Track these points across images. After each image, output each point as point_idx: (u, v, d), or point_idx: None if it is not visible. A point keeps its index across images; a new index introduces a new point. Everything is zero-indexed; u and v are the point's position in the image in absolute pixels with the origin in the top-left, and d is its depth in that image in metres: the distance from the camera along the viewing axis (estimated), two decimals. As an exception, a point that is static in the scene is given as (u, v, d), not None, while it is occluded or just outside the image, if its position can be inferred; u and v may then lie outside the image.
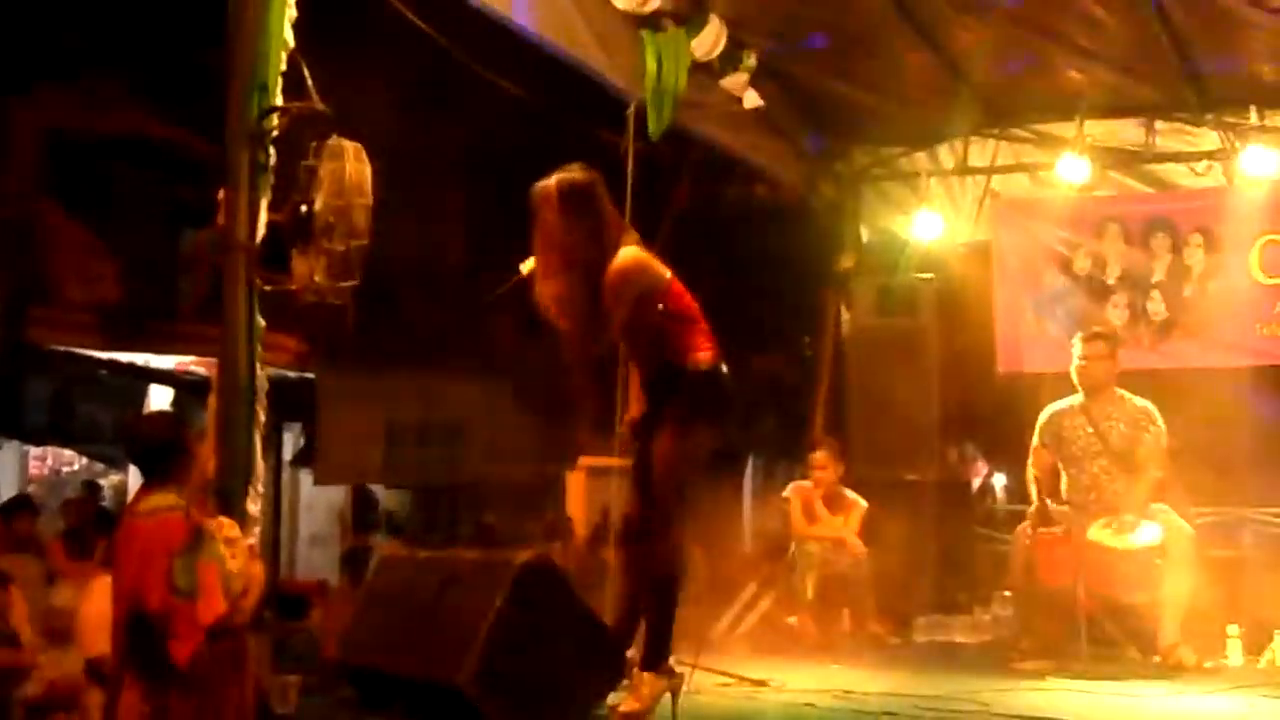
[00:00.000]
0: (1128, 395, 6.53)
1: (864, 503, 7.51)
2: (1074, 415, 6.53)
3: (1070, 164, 8.04)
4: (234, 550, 4.10)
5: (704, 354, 4.65)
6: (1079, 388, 6.54)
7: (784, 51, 7.50)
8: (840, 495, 7.56)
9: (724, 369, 4.72)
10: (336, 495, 14.31)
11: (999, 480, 14.55)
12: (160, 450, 4.19)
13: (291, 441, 12.52)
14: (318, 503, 14.24)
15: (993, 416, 10.29)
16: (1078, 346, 6.60)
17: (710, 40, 6.78)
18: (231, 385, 4.81)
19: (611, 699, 4.53)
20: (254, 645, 4.36)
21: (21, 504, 8.70)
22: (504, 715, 4.34)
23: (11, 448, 13.60)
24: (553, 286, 4.57)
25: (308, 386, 12.04)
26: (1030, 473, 6.60)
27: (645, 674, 4.56)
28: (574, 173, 4.65)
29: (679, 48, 6.62)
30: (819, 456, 7.60)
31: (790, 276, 10.94)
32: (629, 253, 4.58)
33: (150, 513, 4.04)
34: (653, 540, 4.65)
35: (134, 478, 13.42)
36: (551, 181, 4.63)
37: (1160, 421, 6.45)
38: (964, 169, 8.78)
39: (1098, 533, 6.22)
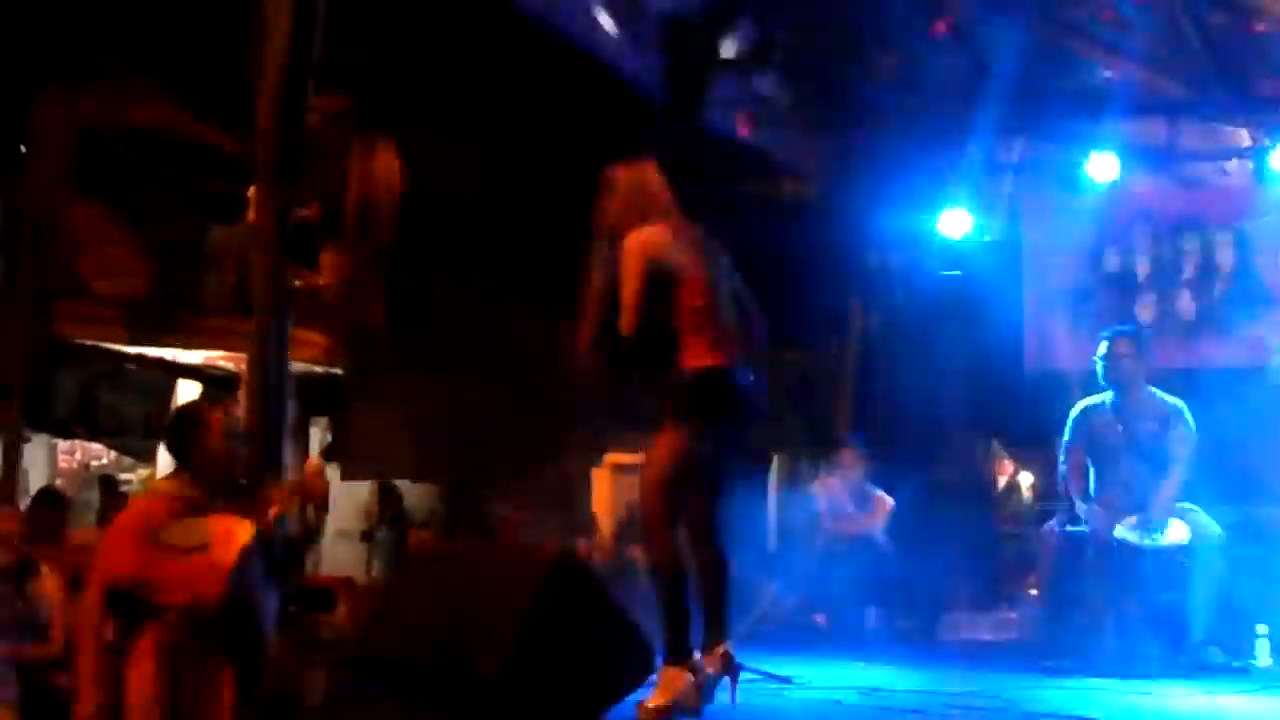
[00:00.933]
0: (1159, 393, 6.48)
1: (891, 500, 7.51)
2: (1105, 412, 6.49)
3: (1099, 162, 8.01)
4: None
5: (704, 359, 4.62)
6: (1106, 385, 6.51)
7: (811, 47, 7.49)
8: (867, 492, 7.55)
9: (733, 374, 4.67)
10: (362, 491, 14.35)
11: (1025, 478, 14.50)
12: (172, 439, 4.22)
13: (319, 436, 12.56)
14: (344, 498, 14.28)
15: (1020, 414, 10.25)
16: (1103, 345, 6.57)
17: (737, 37, 6.78)
18: (261, 380, 4.85)
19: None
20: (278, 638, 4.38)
21: (48, 497, 8.74)
22: (533, 710, 4.37)
23: (40, 441, 13.65)
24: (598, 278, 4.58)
25: (335, 382, 12.09)
26: (1062, 470, 6.57)
27: (665, 668, 4.57)
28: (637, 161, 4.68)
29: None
30: (846, 454, 7.60)
31: (815, 274, 10.91)
32: (648, 229, 4.57)
33: (150, 492, 4.09)
34: (645, 537, 4.69)
35: (162, 471, 13.52)
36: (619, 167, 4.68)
37: (1190, 420, 6.41)
38: (991, 166, 8.75)
39: (1126, 531, 6.21)
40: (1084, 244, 8.39)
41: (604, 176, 4.58)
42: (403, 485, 14.71)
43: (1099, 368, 6.51)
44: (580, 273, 4.70)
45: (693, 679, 4.59)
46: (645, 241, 4.54)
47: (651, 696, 4.55)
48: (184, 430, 4.25)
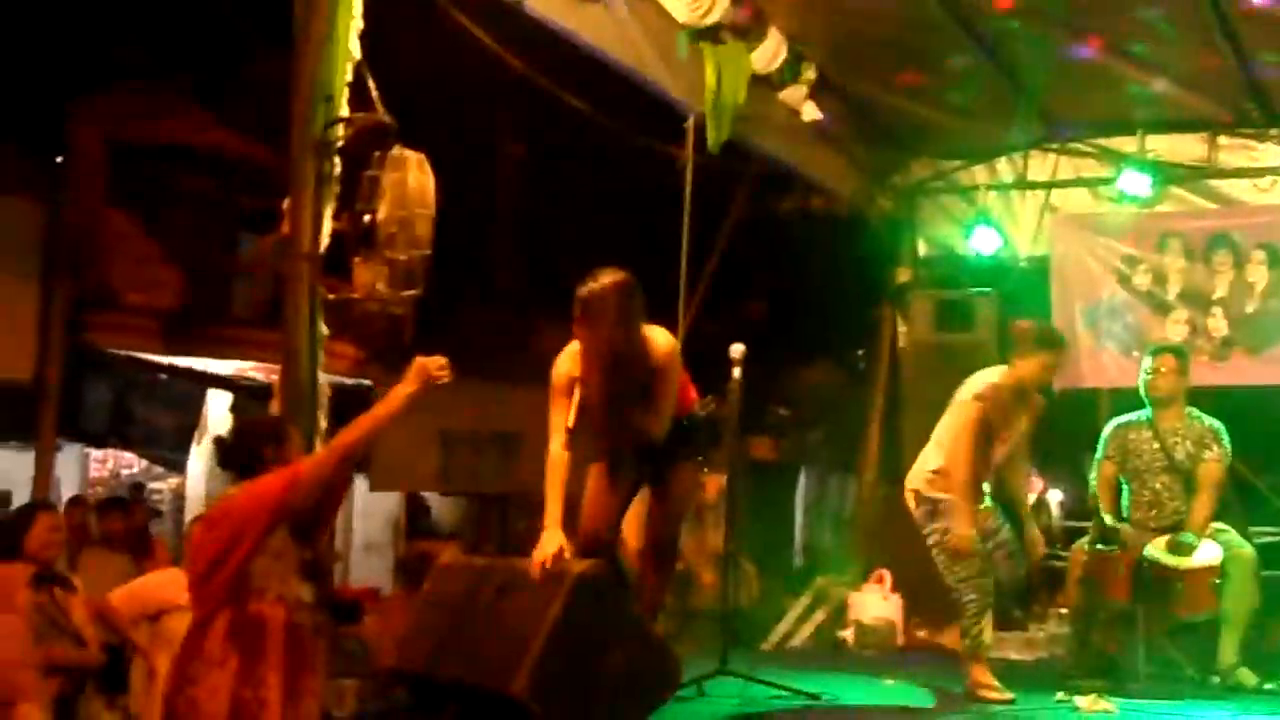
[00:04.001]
0: (1196, 413, 6.43)
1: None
2: (1140, 429, 6.44)
3: (1131, 178, 7.99)
4: None
5: (699, 401, 5.17)
6: (1146, 402, 6.46)
7: (843, 64, 7.50)
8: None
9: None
10: (391, 503, 14.40)
11: (1054, 496, 14.42)
12: (242, 456, 4.21)
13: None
14: (373, 510, 14.33)
15: (1048, 432, 10.21)
16: (1147, 360, 6.50)
17: (770, 53, 6.80)
18: (294, 391, 4.87)
19: None
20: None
21: (116, 504, 8.85)
22: (560, 724, 4.38)
23: (73, 450, 13.76)
24: (600, 382, 4.79)
25: (364, 394, 12.14)
26: (1092, 486, 6.54)
27: None
28: (618, 275, 4.81)
29: (738, 60, 6.64)
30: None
31: (845, 290, 10.90)
32: (668, 337, 4.95)
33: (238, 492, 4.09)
34: (669, 566, 5.26)
35: (192, 481, 13.61)
36: (607, 286, 4.77)
37: (1226, 442, 6.33)
38: (1023, 183, 8.75)
39: (1157, 551, 6.15)
40: (1115, 261, 8.35)
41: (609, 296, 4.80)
42: (430, 498, 14.77)
43: (1141, 383, 6.45)
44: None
45: None
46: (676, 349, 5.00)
47: None
48: (266, 442, 4.24)
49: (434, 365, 4.08)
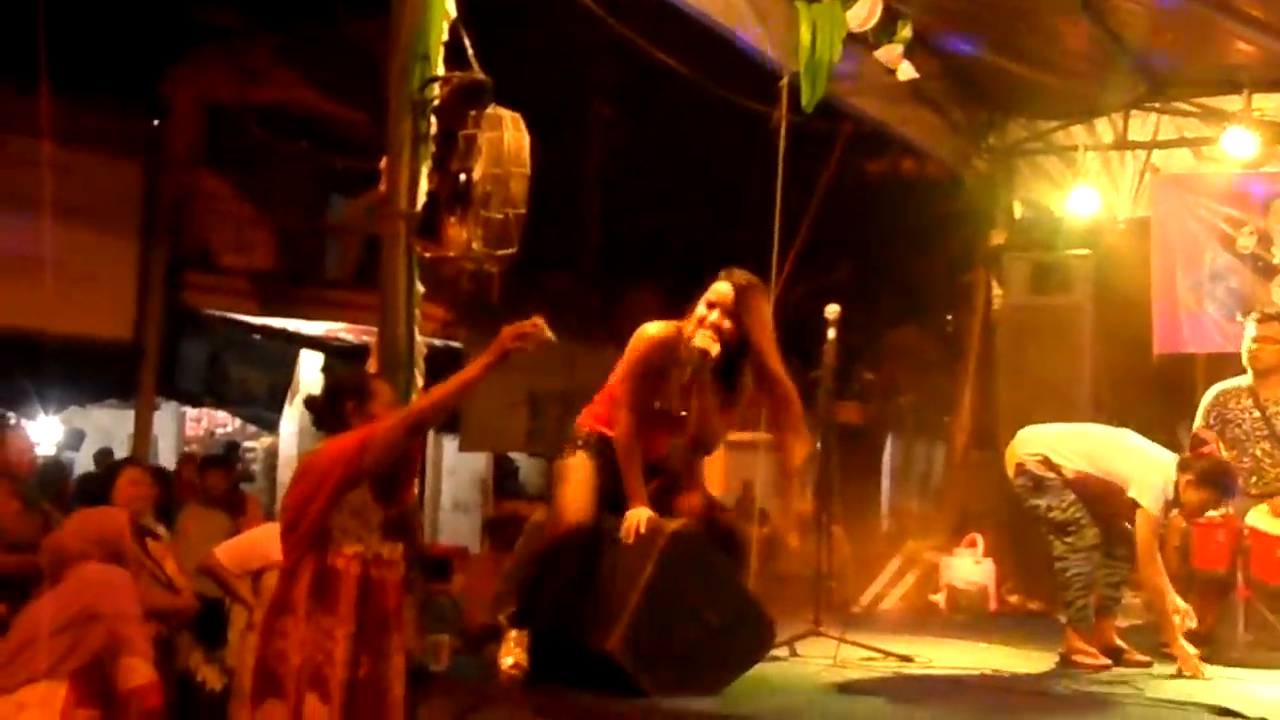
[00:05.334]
0: (1299, 380, 6.27)
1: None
2: (1241, 397, 6.30)
3: (1236, 138, 7.79)
4: None
5: None
6: (1248, 369, 6.32)
7: (939, 22, 7.38)
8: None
9: None
10: (479, 463, 14.55)
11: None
12: (326, 410, 4.27)
13: (435, 408, 12.74)
14: (461, 470, 14.49)
15: (1144, 398, 10.05)
16: (1250, 328, 6.35)
17: (865, 11, 6.70)
18: (391, 350, 4.92)
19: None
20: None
21: (216, 461, 9.02)
22: (653, 682, 4.39)
23: (169, 409, 14.05)
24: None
25: (453, 355, 12.24)
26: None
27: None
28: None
29: (834, 19, 6.56)
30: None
31: (937, 251, 10.80)
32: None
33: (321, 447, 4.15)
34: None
35: (285, 440, 13.83)
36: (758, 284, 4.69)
37: (1332, 410, 6.20)
38: (1123, 143, 8.57)
39: (1257, 517, 6.05)
40: (1218, 223, 8.15)
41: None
42: (518, 458, 14.90)
43: (1244, 350, 6.31)
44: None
45: None
46: None
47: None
48: (347, 398, 4.28)
49: (515, 333, 4.06)
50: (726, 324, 4.56)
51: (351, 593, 4.03)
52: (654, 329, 4.66)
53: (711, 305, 4.59)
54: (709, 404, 4.62)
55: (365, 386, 4.40)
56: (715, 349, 4.55)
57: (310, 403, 4.39)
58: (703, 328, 4.57)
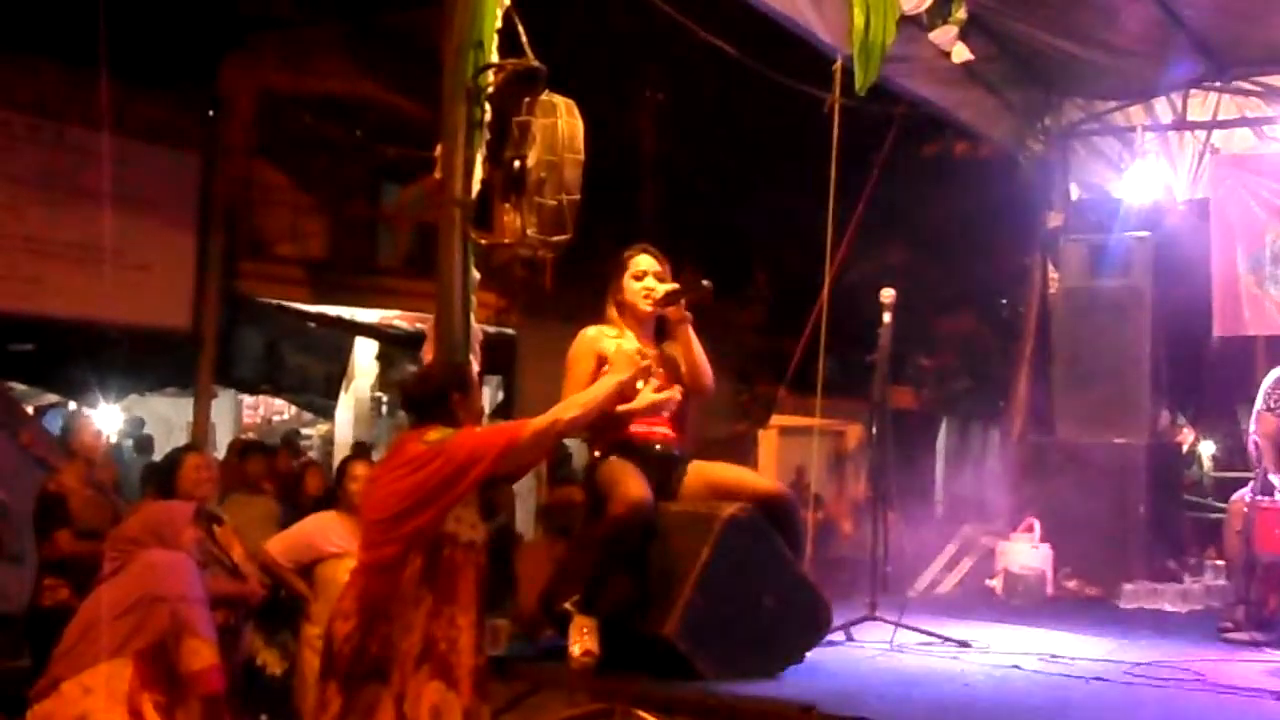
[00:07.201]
0: (1359, 362, 6.19)
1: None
2: (1303, 379, 6.23)
3: (1296, 116, 7.66)
4: None
5: None
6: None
7: (995, 3, 7.31)
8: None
9: None
10: (533, 450, 14.54)
11: (1206, 448, 14.05)
12: (429, 401, 4.32)
13: (490, 395, 12.81)
14: (514, 456, 14.50)
15: (1203, 381, 9.94)
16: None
17: (919, -8, 6.65)
18: (448, 336, 4.94)
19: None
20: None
21: (256, 448, 9.10)
22: (709, 666, 4.40)
23: (227, 396, 14.20)
24: None
25: (507, 341, 12.30)
26: (1253, 437, 6.34)
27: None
28: None
29: (887, 1, 6.51)
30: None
31: (993, 235, 10.70)
32: None
33: (443, 438, 4.17)
34: None
35: (340, 428, 13.94)
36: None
37: (1395, 393, 6.10)
38: (1183, 124, 8.46)
39: (1322, 503, 5.97)
40: (1279, 204, 8.04)
41: None
42: (571, 445, 14.92)
43: None
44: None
45: None
46: None
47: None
48: (453, 390, 4.35)
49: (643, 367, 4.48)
50: (659, 290, 4.86)
51: (471, 580, 4.13)
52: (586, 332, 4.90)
53: (641, 275, 4.89)
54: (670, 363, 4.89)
55: (468, 378, 4.52)
56: (648, 307, 4.85)
57: (412, 394, 4.42)
58: (641, 293, 4.88)
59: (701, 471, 4.89)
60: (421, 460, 4.14)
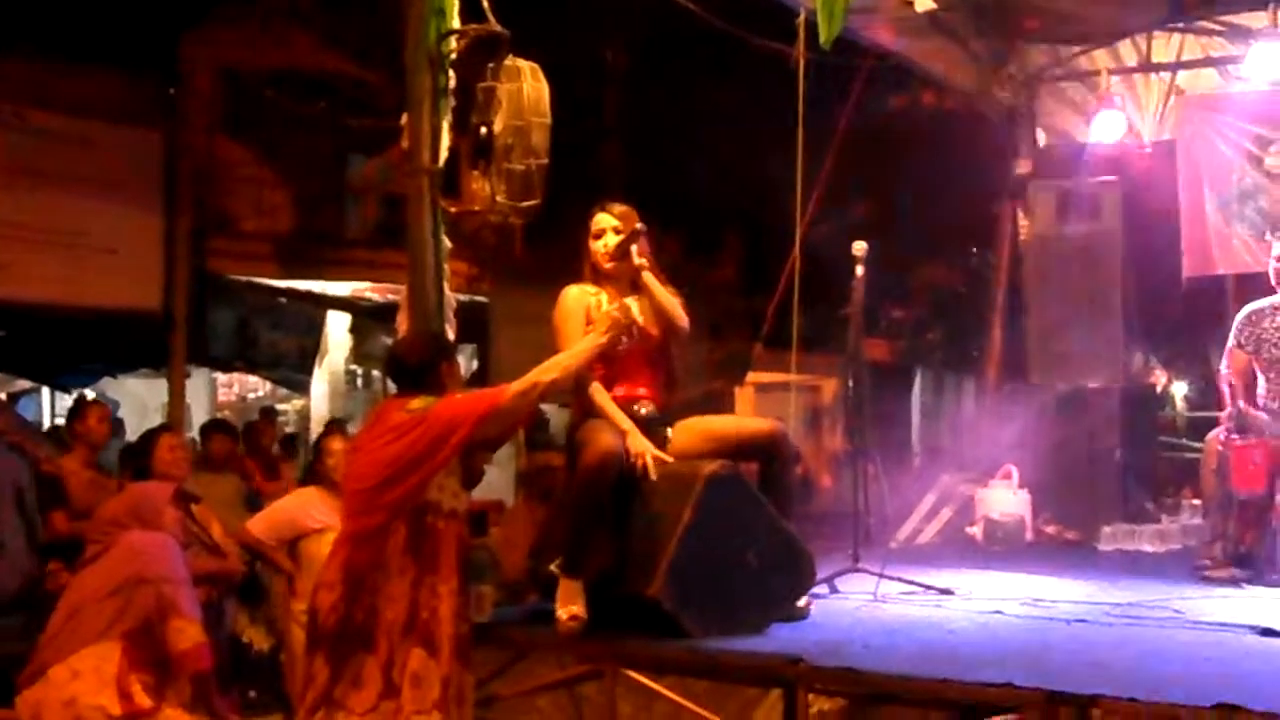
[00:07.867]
0: (1329, 296, 6.22)
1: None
2: (1274, 315, 6.25)
3: (1262, 55, 7.67)
4: None
5: None
6: (1277, 288, 6.27)
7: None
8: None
9: None
10: (509, 415, 14.53)
11: (1179, 389, 14.15)
12: (418, 370, 4.30)
13: (463, 363, 12.78)
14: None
15: (1175, 323, 10.00)
16: (1276, 246, 6.32)
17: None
18: (421, 306, 4.92)
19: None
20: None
21: (218, 426, 9.06)
22: (696, 624, 4.42)
23: (201, 375, 14.11)
24: None
25: (479, 309, 12.25)
26: (1224, 374, 6.38)
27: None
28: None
29: (850, -47, 6.47)
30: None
31: (961, 185, 10.70)
32: None
33: (425, 406, 4.16)
34: None
35: (316, 402, 13.89)
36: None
37: (1365, 328, 6.14)
38: (1147, 66, 8.46)
39: (1295, 438, 6.01)
40: (1245, 143, 8.07)
41: None
42: (548, 409, 14.90)
43: (1272, 269, 6.26)
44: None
45: None
46: None
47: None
48: (435, 356, 4.37)
49: (619, 320, 4.42)
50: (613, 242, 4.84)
51: (452, 549, 4.12)
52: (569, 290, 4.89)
53: (600, 234, 4.89)
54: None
55: (451, 347, 4.57)
56: (607, 264, 4.84)
57: (401, 363, 4.39)
58: (600, 250, 4.86)
59: (693, 427, 4.91)
60: (404, 428, 4.13)
